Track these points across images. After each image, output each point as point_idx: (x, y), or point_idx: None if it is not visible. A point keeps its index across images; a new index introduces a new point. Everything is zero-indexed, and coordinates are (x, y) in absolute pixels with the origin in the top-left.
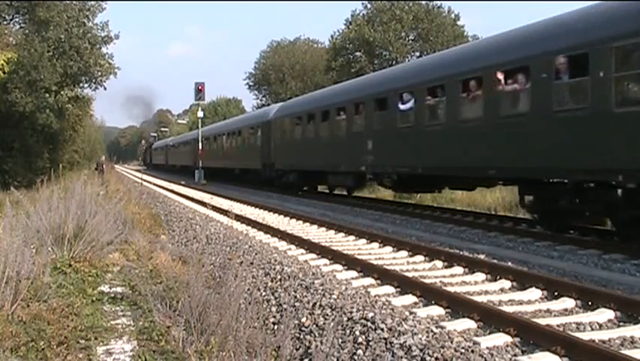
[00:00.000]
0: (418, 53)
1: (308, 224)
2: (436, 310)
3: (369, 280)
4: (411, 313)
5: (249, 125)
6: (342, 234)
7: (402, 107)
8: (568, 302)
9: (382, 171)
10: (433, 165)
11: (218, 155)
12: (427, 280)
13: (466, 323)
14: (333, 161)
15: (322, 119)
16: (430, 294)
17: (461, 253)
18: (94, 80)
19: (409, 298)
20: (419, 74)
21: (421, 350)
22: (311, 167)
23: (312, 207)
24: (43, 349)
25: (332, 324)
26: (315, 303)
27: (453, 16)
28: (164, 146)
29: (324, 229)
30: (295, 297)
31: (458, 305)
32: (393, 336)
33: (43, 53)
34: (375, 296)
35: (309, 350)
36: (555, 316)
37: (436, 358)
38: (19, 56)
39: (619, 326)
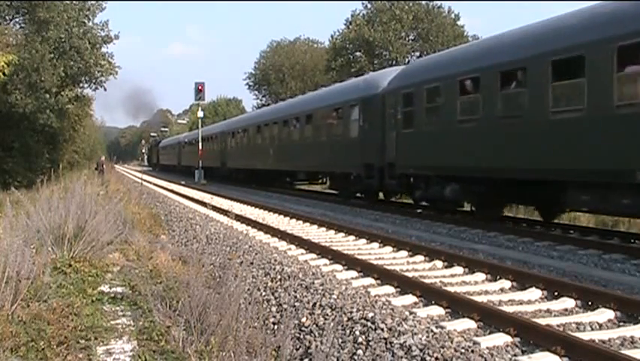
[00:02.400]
0: (417, 53)
1: (308, 224)
2: (436, 310)
3: (369, 280)
4: (411, 313)
5: (332, 104)
6: (342, 234)
7: None
8: (568, 302)
9: None
10: None
11: (264, 153)
12: (427, 280)
13: (466, 323)
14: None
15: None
16: (430, 294)
17: (461, 253)
18: (94, 80)
19: (409, 298)
20: None
21: (421, 350)
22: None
23: (312, 207)
24: (43, 349)
25: (332, 324)
26: (315, 303)
27: (453, 16)
28: (176, 143)
29: (324, 229)
30: (295, 297)
31: (458, 305)
32: (394, 336)
33: (45, 55)
34: (375, 296)
35: (309, 350)
36: (555, 316)
37: (436, 358)
38: (20, 57)
39: (619, 326)
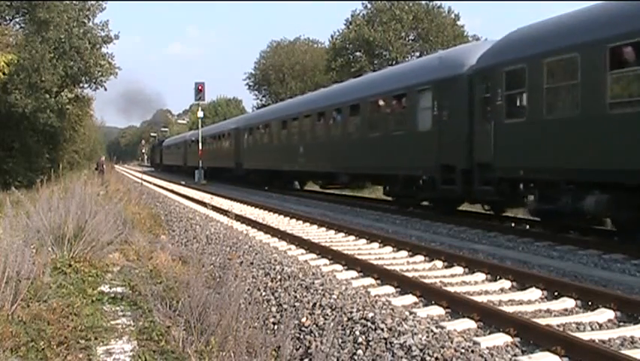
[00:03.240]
0: (418, 53)
1: (308, 224)
2: (436, 310)
3: (369, 280)
4: (411, 313)
5: (390, 90)
6: (342, 234)
7: None
8: (568, 302)
9: None
10: None
11: (292, 152)
12: (427, 280)
13: (466, 323)
14: None
15: None
16: (430, 294)
17: (461, 253)
18: (94, 81)
19: (409, 298)
20: None
21: (421, 350)
22: None
23: (312, 207)
24: (43, 349)
25: (332, 324)
26: (315, 303)
27: (453, 16)
28: (182, 142)
29: (324, 229)
30: (295, 297)
31: (458, 305)
32: (394, 336)
33: (45, 55)
34: (375, 296)
35: (309, 350)
36: (555, 316)
37: (436, 358)
38: (20, 57)
39: (619, 326)
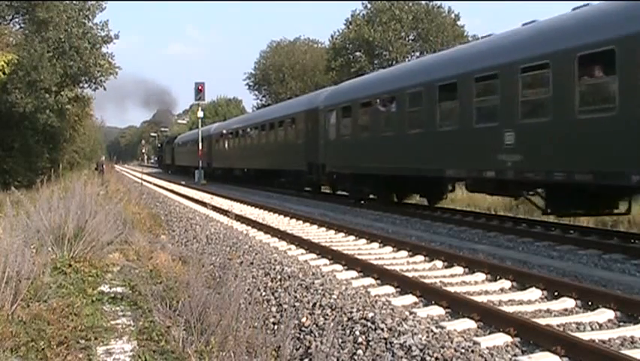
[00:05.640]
0: (417, 53)
1: (308, 224)
2: (436, 310)
3: (369, 280)
4: (411, 313)
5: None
6: (342, 234)
7: None
8: (568, 302)
9: None
10: None
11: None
12: (427, 280)
13: (466, 323)
14: None
15: None
16: (430, 294)
17: (461, 253)
18: (94, 80)
19: (409, 298)
20: None
21: (421, 350)
22: None
23: (312, 207)
24: (43, 349)
25: (332, 324)
26: (315, 303)
27: (453, 16)
28: (205, 136)
29: (324, 229)
30: (295, 297)
31: (458, 305)
32: (394, 336)
33: (43, 54)
34: (375, 296)
35: (309, 350)
36: (555, 316)
37: (436, 358)
38: (19, 56)
39: (619, 326)
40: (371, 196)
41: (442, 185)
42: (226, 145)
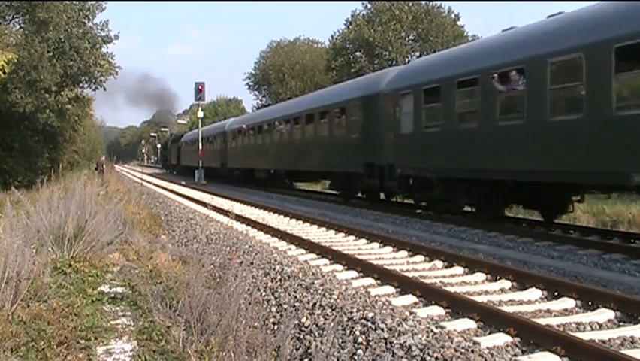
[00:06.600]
0: (417, 53)
1: (308, 224)
2: (436, 310)
3: (369, 280)
4: (411, 313)
5: None
6: (342, 234)
7: None
8: (568, 302)
9: None
10: None
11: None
12: (427, 280)
13: (466, 323)
14: None
15: None
16: (430, 294)
17: (461, 253)
18: (94, 80)
19: (409, 298)
20: None
21: (421, 350)
22: None
23: (312, 208)
24: (43, 349)
25: (332, 324)
26: (315, 303)
27: (453, 16)
28: (218, 133)
29: (324, 229)
30: (295, 297)
31: (458, 305)
32: (394, 336)
33: (43, 54)
34: (375, 296)
35: (309, 350)
36: (555, 316)
37: (436, 358)
38: (19, 56)
39: (619, 326)
40: (467, 209)
41: (565, 194)
42: (246, 142)
